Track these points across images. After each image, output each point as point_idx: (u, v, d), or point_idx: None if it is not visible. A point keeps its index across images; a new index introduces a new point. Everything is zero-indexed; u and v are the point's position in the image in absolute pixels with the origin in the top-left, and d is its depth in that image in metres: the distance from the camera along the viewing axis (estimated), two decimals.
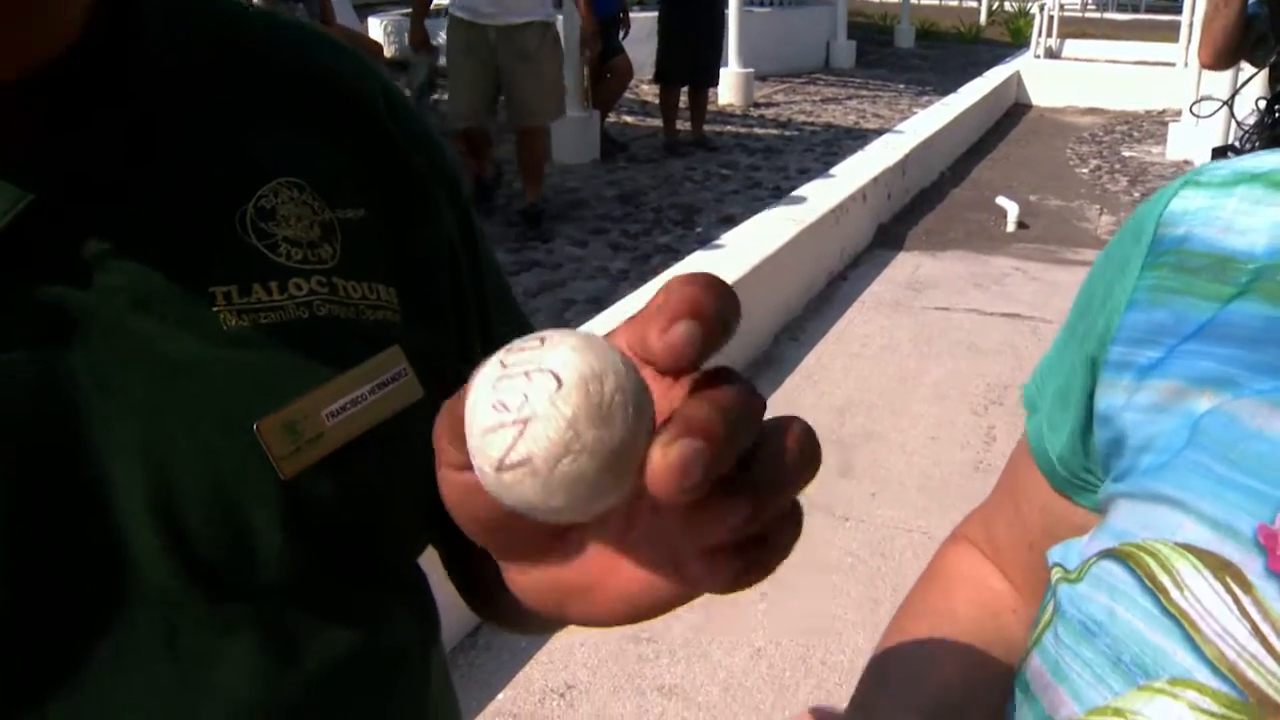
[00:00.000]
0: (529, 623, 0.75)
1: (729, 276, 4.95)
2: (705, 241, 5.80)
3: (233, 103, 0.67)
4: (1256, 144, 4.25)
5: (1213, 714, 0.50)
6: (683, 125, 9.29)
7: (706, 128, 9.36)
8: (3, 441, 0.54)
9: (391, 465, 0.67)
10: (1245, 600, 0.51)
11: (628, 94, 9.88)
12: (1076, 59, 13.74)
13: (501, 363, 0.37)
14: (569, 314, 5.24)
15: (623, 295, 4.87)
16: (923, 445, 4.34)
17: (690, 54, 8.74)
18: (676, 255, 5.70)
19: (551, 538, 0.46)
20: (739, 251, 5.34)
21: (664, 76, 8.88)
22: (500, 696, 2.86)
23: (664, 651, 3.00)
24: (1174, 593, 0.53)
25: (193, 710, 0.60)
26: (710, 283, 0.38)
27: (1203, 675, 0.51)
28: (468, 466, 0.39)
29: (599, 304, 5.05)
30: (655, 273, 5.35)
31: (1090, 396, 0.66)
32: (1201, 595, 0.52)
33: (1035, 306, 5.79)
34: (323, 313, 0.65)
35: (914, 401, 4.75)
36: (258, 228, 0.64)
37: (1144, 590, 0.54)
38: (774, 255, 5.41)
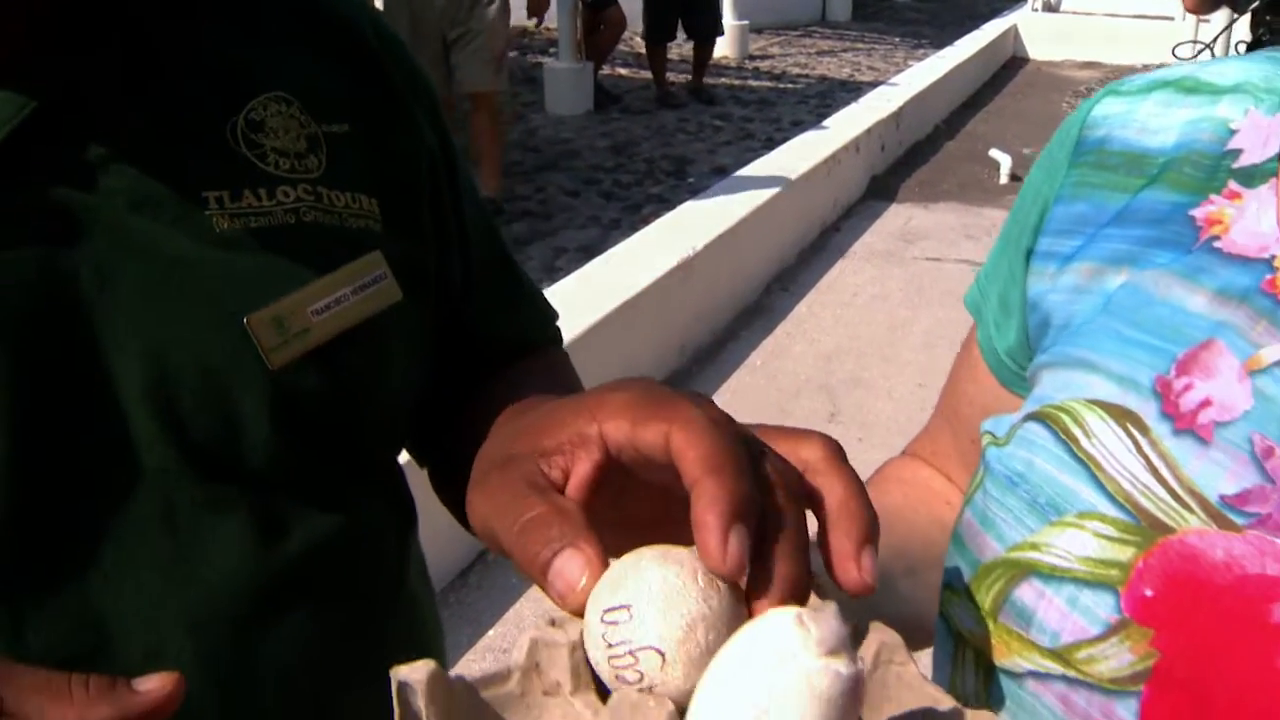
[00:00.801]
0: None
1: (720, 227, 4.97)
2: (697, 192, 5.82)
3: (226, 23, 0.71)
4: None
5: (1110, 537, 0.55)
6: (680, 77, 9.28)
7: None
8: (10, 332, 0.58)
9: (372, 361, 0.72)
10: (1143, 441, 0.56)
11: (622, 46, 9.85)
12: (1075, 12, 13.66)
13: (605, 639, 0.44)
14: (560, 261, 5.26)
15: (613, 244, 4.88)
16: (910, 392, 4.38)
17: (676, 9, 8.67)
18: (668, 205, 5.72)
19: None
20: (730, 202, 5.36)
21: (650, 33, 8.83)
22: (490, 633, 2.91)
23: None
24: (1083, 441, 0.58)
25: (188, 579, 0.64)
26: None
27: (1104, 507, 0.56)
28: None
29: (590, 252, 5.07)
30: (646, 221, 5.37)
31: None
32: (1106, 441, 0.57)
33: None
34: (308, 219, 0.69)
35: (903, 350, 4.79)
36: (248, 139, 0.68)
37: (1059, 442, 0.59)
38: (765, 205, 5.42)
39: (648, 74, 9.16)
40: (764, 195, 5.49)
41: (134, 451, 0.62)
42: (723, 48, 11.12)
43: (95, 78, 0.63)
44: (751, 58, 11.59)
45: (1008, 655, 0.58)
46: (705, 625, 0.43)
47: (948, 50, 10.41)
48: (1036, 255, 0.69)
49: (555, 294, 4.12)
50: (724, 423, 0.47)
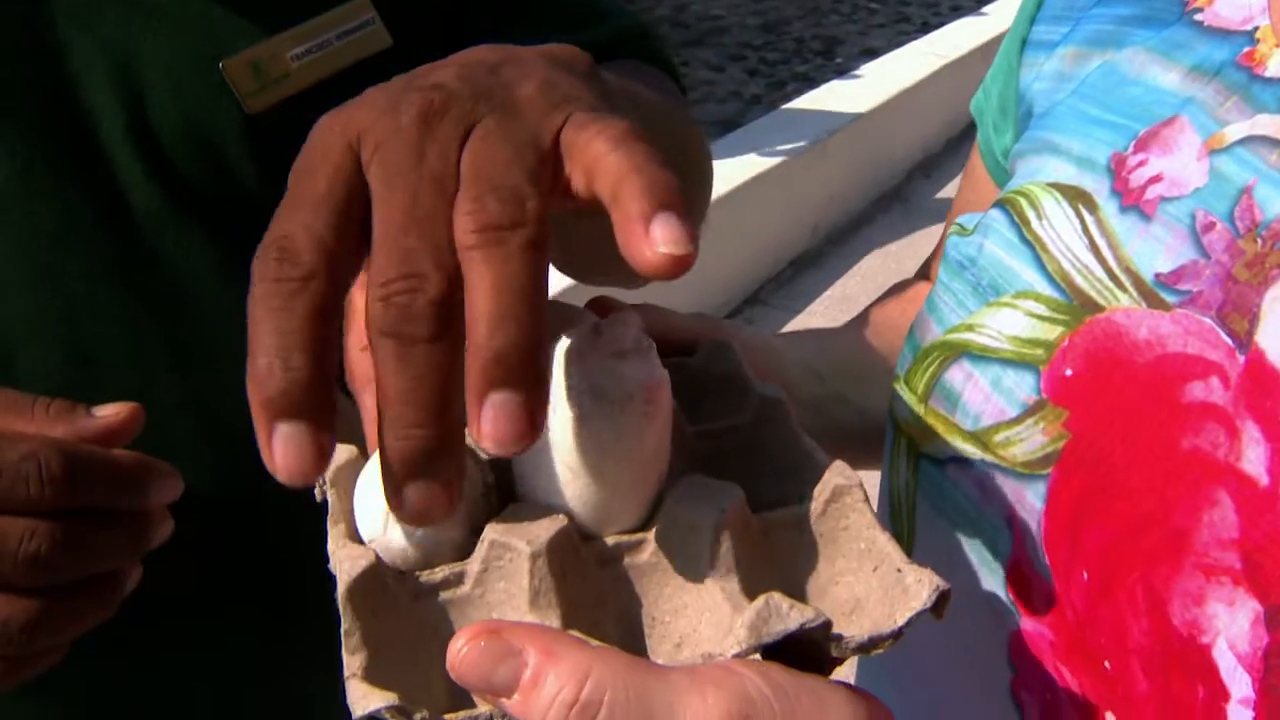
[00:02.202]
0: None
1: (862, 107, 4.85)
2: (843, 73, 5.67)
3: None
4: None
5: (1041, 316, 0.52)
6: None
7: None
8: None
9: None
10: (1089, 219, 0.53)
11: None
12: None
13: None
14: None
15: (753, 119, 4.80)
16: None
17: None
18: (813, 84, 5.59)
19: None
20: (877, 82, 5.22)
21: None
22: None
23: None
24: (1034, 223, 0.55)
25: (176, 317, 0.65)
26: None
27: (1041, 286, 0.53)
28: None
29: (727, 126, 4.99)
30: (788, 98, 5.26)
31: None
32: (1056, 222, 0.54)
33: None
34: None
35: None
36: None
37: (1010, 224, 0.56)
38: (913, 89, 5.27)
39: None
40: (912, 78, 5.33)
41: (124, 193, 0.63)
42: None
43: None
44: None
45: (933, 440, 0.56)
46: None
47: None
48: (1029, 45, 0.65)
49: None
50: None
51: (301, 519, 0.52)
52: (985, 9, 6.95)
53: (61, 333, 0.62)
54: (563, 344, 0.40)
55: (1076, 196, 0.54)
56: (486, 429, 0.33)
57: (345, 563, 0.39)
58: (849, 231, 4.73)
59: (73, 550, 0.47)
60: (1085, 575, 0.48)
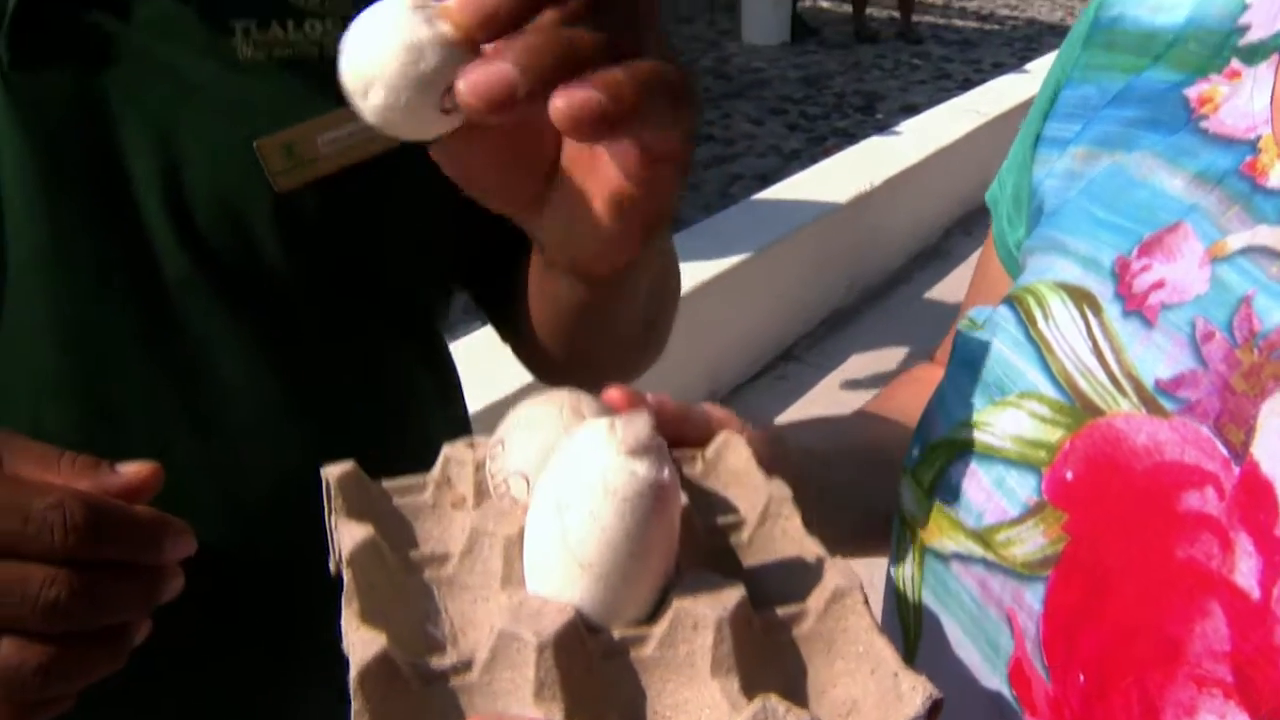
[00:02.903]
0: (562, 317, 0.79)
1: (900, 163, 4.86)
2: (884, 129, 5.69)
3: None
4: None
5: (1044, 417, 0.53)
6: (881, 13, 9.07)
7: None
8: (46, 142, 0.64)
9: (383, 196, 0.74)
10: (1094, 322, 0.54)
11: None
12: None
13: (489, 470, 0.50)
14: (734, 189, 5.23)
15: (792, 174, 4.83)
16: None
17: None
18: (852, 139, 5.61)
19: (526, 177, 0.53)
20: (916, 139, 5.23)
21: None
22: None
23: None
24: (1041, 322, 0.56)
25: (198, 384, 0.69)
26: None
27: (1044, 387, 0.54)
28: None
29: (766, 180, 5.02)
30: (827, 153, 5.28)
31: None
32: (1061, 322, 0.55)
33: None
34: (331, 54, 0.69)
35: None
36: None
37: (1019, 324, 0.57)
38: (951, 146, 5.27)
39: (848, 7, 8.97)
40: (952, 134, 5.34)
41: (156, 260, 0.67)
42: None
43: None
44: None
45: (938, 536, 0.57)
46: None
47: None
48: (1043, 141, 0.67)
49: (722, 220, 4.13)
50: None
51: (311, 584, 0.54)
52: (1028, 66, 6.97)
53: (87, 390, 0.66)
54: (576, 439, 0.42)
55: (1082, 298, 0.55)
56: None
57: (358, 646, 0.40)
58: (886, 288, 4.73)
59: (90, 599, 0.49)
60: (1082, 678, 0.49)
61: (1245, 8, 0.59)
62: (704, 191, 5.14)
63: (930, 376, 0.82)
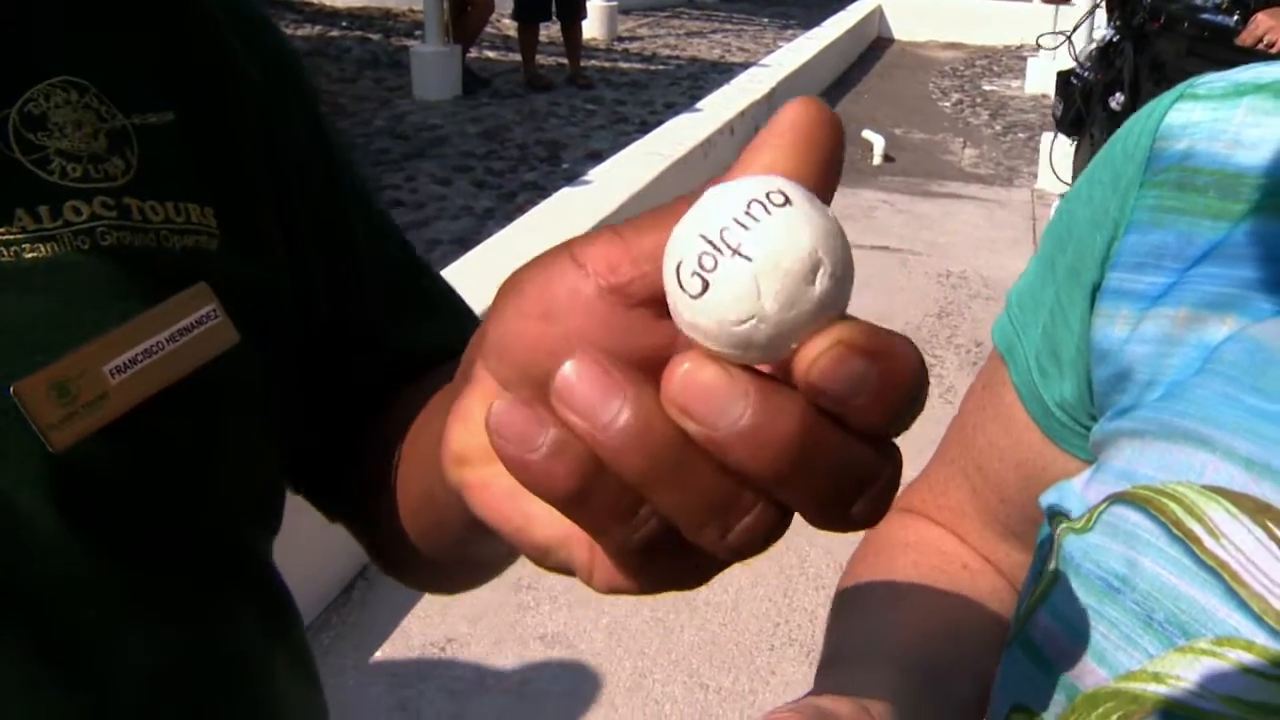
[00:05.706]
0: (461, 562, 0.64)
1: (595, 215, 4.84)
2: (572, 178, 5.68)
3: None
4: (1096, 73, 4.52)
5: (1263, 674, 0.44)
6: (549, 60, 9.11)
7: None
8: None
9: (202, 428, 0.56)
10: None
11: (489, 28, 9.64)
12: None
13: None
14: (434, 254, 5.08)
15: (489, 234, 4.72)
16: None
17: None
18: (544, 192, 5.57)
19: None
20: (606, 187, 5.23)
21: (521, 11, 8.61)
22: (377, 654, 2.76)
23: (545, 599, 2.92)
24: (1208, 541, 0.47)
25: None
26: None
27: (1249, 631, 0.45)
28: None
29: (464, 244, 4.90)
30: (521, 210, 5.21)
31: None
32: (1241, 543, 0.46)
33: (904, 239, 5.80)
34: (108, 242, 0.52)
35: None
36: (23, 139, 0.51)
37: (1172, 539, 0.48)
38: (642, 192, 5.31)
39: (516, 56, 8.97)
40: (640, 181, 5.38)
41: None
42: (590, 29, 10.98)
43: None
44: (620, 39, 11.45)
45: None
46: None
47: (816, 30, 10.39)
48: (1107, 293, 0.57)
49: None
50: None
51: None
52: (699, 104, 7.14)
53: None
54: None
55: (1260, 511, 0.46)
56: None
57: None
58: None
59: None
60: None
61: None
62: None
63: (918, 537, 0.72)
